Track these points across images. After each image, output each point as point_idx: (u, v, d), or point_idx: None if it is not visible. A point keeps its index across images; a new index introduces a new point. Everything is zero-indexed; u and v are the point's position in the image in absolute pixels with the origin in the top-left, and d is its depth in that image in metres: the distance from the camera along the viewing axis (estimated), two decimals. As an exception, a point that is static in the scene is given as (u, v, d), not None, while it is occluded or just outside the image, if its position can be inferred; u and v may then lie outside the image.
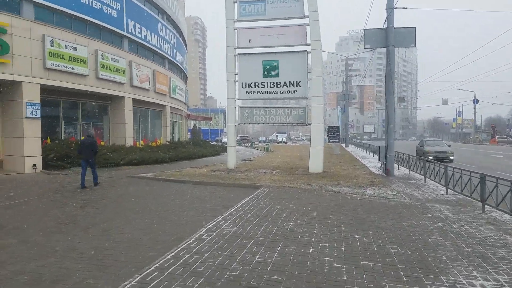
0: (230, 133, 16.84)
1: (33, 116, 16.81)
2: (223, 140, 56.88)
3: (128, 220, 7.90)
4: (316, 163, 15.85)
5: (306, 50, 16.01)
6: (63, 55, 18.13)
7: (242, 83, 16.59)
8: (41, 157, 17.25)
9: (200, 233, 6.53)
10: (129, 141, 23.66)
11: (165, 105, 29.97)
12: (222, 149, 32.54)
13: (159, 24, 28.96)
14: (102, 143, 22.64)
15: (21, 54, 16.22)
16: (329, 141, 41.82)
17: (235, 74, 16.70)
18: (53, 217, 8.24)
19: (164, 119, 30.44)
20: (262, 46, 16.10)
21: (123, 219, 8.08)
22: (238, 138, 76.30)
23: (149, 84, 26.09)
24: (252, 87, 16.47)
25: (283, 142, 72.99)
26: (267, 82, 16.24)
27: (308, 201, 9.66)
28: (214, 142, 46.68)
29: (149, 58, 27.26)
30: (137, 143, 25.73)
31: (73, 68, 18.74)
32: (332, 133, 41.29)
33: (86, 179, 12.71)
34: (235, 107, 16.77)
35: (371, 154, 31.27)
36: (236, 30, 16.32)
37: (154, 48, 27.72)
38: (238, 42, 16.30)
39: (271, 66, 16.13)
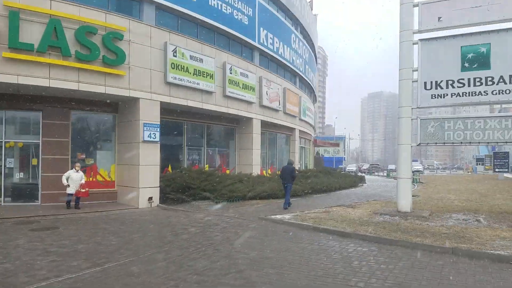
0: (404, 158, 11.45)
1: (152, 139, 14.16)
2: (347, 168, 50.66)
3: None
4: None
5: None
6: (187, 68, 15.44)
7: (425, 83, 11.25)
8: (158, 188, 14.41)
9: None
10: (256, 170, 20.03)
11: (294, 128, 26.02)
12: (360, 179, 26.93)
13: (293, 36, 25.53)
14: (228, 171, 19.43)
15: (139, 65, 13.85)
16: None
17: (412, 71, 11.47)
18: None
19: (292, 144, 26.45)
20: (459, 25, 10.61)
21: None
22: (365, 166, 69.02)
23: (279, 104, 22.45)
24: (442, 88, 11.00)
25: (419, 171, 62.93)
26: (469, 79, 10.59)
27: None
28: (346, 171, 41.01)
29: (280, 74, 23.80)
30: (264, 172, 22.04)
31: (198, 84, 15.93)
32: None
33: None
34: (412, 119, 11.43)
35: None
36: (416, 7, 11.17)
37: (286, 62, 24.24)
38: (420, 22, 11.11)
39: (477, 53, 10.50)
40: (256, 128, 20.14)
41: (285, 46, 23.96)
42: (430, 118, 11.38)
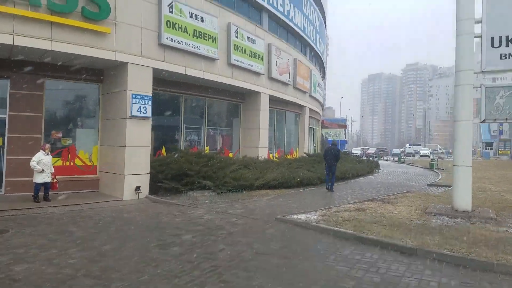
0: (462, 140, 8.80)
1: (142, 115, 11.49)
2: (352, 152, 47.89)
3: None
4: None
5: None
6: (185, 27, 12.64)
7: (492, 38, 8.59)
8: (148, 175, 11.83)
9: None
10: (263, 153, 17.46)
11: (304, 106, 23.32)
12: (375, 165, 24.42)
13: (304, -2, 22.47)
14: (231, 154, 16.85)
15: (128, 22, 11.07)
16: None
17: (475, 23, 8.77)
18: None
19: (302, 124, 23.80)
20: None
21: None
22: (371, 150, 66.37)
23: (289, 77, 19.67)
24: (516, 45, 8.34)
25: (427, 156, 60.70)
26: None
27: None
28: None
29: (291, 42, 20.93)
30: (271, 156, 19.48)
31: (199, 48, 13.16)
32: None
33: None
34: (475, 88, 8.81)
35: None
36: None
37: (297, 29, 21.29)
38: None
39: None
40: (264, 104, 17.46)
41: (296, 10, 20.96)
42: (499, 86, 8.77)
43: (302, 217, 8.28)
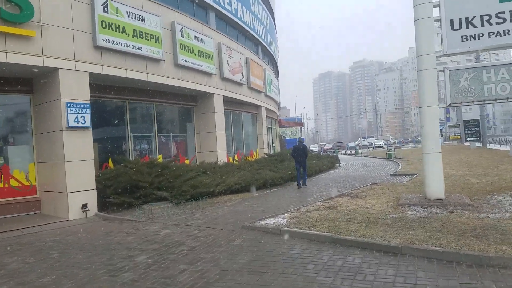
0: (430, 126, 8.42)
1: (80, 125, 10.18)
2: (311, 149, 47.92)
3: None
4: None
5: None
6: (124, 27, 11.47)
7: (451, 21, 8.27)
8: (95, 191, 10.55)
9: None
10: (222, 157, 16.53)
11: (260, 106, 22.65)
12: (336, 160, 24.22)
13: (251, -3, 21.82)
14: (187, 161, 15.77)
15: (56, 24, 9.78)
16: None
17: (433, 6, 8.44)
18: None
19: (259, 124, 23.11)
20: None
21: None
22: (328, 145, 67.14)
23: (243, 77, 18.91)
24: (475, 27, 8.08)
25: (381, 147, 62.57)
26: None
27: None
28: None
29: (241, 41, 20.17)
30: (230, 159, 18.61)
31: (141, 49, 12.03)
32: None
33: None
34: (438, 72, 8.50)
35: None
36: None
37: (247, 28, 20.59)
38: None
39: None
40: (218, 105, 16.54)
41: (244, 8, 20.27)
42: (462, 68, 8.46)
43: (271, 222, 7.45)
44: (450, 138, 46.43)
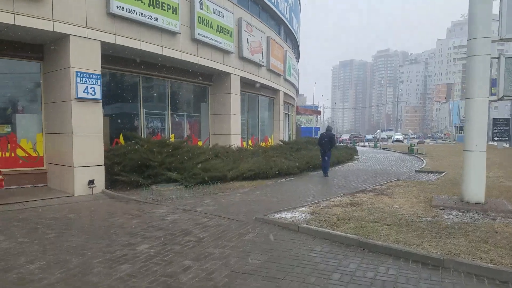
0: (476, 121, 7.39)
1: (90, 96, 9.55)
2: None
3: None
4: None
5: None
6: (139, -5, 10.68)
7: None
8: (103, 167, 9.98)
9: None
10: (236, 141, 15.83)
11: (278, 90, 21.74)
12: (354, 151, 23.23)
13: (275, -30, 20.66)
14: (200, 143, 15.12)
15: (67, -14, 9.06)
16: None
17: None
18: None
19: (276, 109, 22.26)
20: None
21: None
22: (345, 136, 65.67)
23: (262, 57, 17.99)
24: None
25: (400, 141, 60.94)
26: None
27: None
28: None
29: (263, 19, 19.14)
30: (244, 144, 17.90)
31: (156, 19, 11.25)
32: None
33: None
34: (492, 59, 7.46)
35: None
36: None
37: (270, 4, 19.50)
38: None
39: None
40: (235, 86, 15.74)
41: (268, -18, 19.19)
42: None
43: (287, 216, 6.72)
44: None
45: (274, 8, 20.11)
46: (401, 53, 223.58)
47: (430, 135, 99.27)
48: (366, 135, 69.67)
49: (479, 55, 7.30)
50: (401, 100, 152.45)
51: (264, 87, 19.71)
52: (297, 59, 29.95)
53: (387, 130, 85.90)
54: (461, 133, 52.45)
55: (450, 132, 67.90)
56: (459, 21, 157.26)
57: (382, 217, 6.51)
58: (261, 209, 7.58)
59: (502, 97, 7.35)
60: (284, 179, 12.45)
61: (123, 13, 10.24)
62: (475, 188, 7.33)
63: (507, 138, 28.83)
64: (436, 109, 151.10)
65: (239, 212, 7.43)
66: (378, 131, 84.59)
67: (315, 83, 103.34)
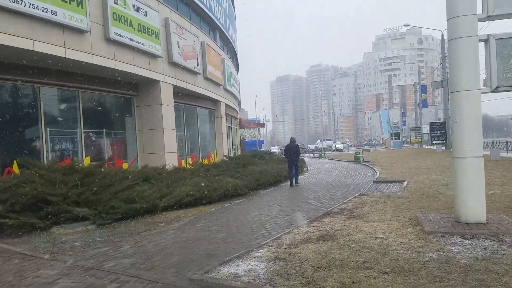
0: (468, 120, 5.74)
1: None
2: (272, 151, 45.53)
3: None
4: None
5: None
6: (27, -21, 8.10)
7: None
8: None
9: None
10: (172, 160, 13.43)
11: (219, 101, 19.68)
12: (303, 162, 21.66)
13: (206, -28, 18.72)
14: (125, 165, 12.52)
15: None
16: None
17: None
18: None
19: (218, 122, 20.13)
20: None
21: None
22: (279, 148, 64.84)
23: (197, 64, 15.85)
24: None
25: (340, 149, 61.86)
26: None
27: None
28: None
29: (195, 22, 17.04)
30: (183, 162, 15.51)
31: (55, 13, 8.70)
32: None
33: None
34: (480, 40, 5.94)
35: None
36: None
37: (202, 6, 17.50)
38: None
39: None
40: (167, 97, 13.39)
41: (199, -16, 17.21)
42: (515, 36, 6.03)
43: (239, 269, 4.56)
44: (412, 141, 46.07)
45: (206, 10, 18.09)
46: (332, 67, 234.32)
47: (365, 142, 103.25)
48: (309, 146, 69.98)
49: (465, 37, 5.80)
50: (336, 111, 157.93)
51: (202, 98, 17.56)
52: (236, 68, 28.18)
53: (326, 140, 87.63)
54: (396, 138, 54.33)
55: (387, 139, 70.75)
56: (382, 35, 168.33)
57: (371, 258, 4.60)
58: (201, 256, 5.38)
59: (497, 88, 5.88)
60: (231, 202, 10.42)
61: (7, 4, 7.64)
62: (474, 204, 5.72)
63: (445, 141, 29.27)
64: (368, 118, 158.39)
65: (168, 264, 5.15)
66: (318, 141, 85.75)
67: (256, 96, 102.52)
